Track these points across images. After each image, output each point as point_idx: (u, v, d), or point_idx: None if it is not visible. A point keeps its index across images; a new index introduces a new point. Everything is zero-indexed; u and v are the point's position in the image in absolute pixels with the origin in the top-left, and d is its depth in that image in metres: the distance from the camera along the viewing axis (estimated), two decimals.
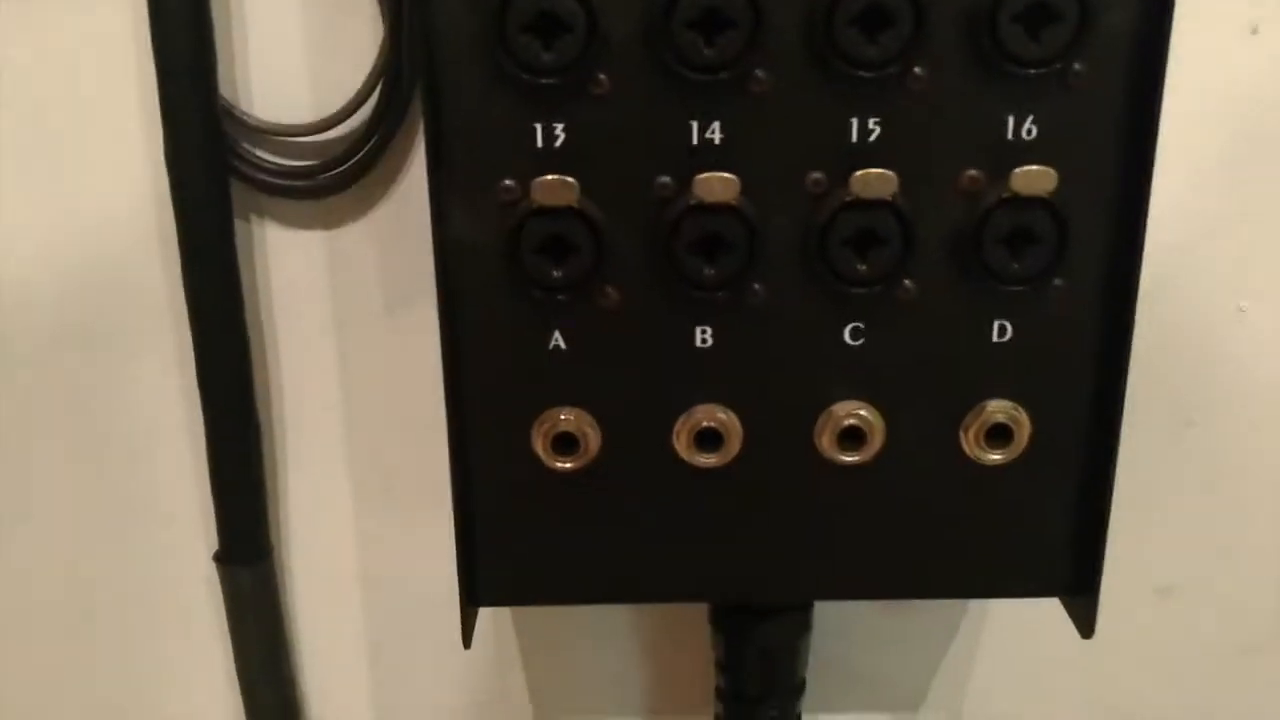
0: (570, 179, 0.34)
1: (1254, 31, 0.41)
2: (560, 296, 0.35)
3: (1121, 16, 0.33)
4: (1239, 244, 0.44)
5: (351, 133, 0.42)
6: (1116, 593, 0.49)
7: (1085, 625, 0.39)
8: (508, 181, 0.34)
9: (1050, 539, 0.39)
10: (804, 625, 0.43)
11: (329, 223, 0.43)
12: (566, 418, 0.37)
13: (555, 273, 0.35)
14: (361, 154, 0.41)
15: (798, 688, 0.44)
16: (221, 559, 0.46)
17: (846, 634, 0.49)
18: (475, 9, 0.33)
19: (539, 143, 0.34)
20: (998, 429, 0.37)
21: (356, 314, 0.45)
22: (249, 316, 0.44)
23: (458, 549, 0.38)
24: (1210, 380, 0.46)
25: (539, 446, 0.37)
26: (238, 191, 0.42)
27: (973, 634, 0.50)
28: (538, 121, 0.34)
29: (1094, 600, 0.39)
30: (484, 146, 0.34)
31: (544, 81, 0.33)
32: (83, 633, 0.49)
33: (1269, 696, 0.51)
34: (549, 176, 0.34)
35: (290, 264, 0.44)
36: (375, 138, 0.41)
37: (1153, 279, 0.44)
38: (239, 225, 0.43)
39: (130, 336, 0.45)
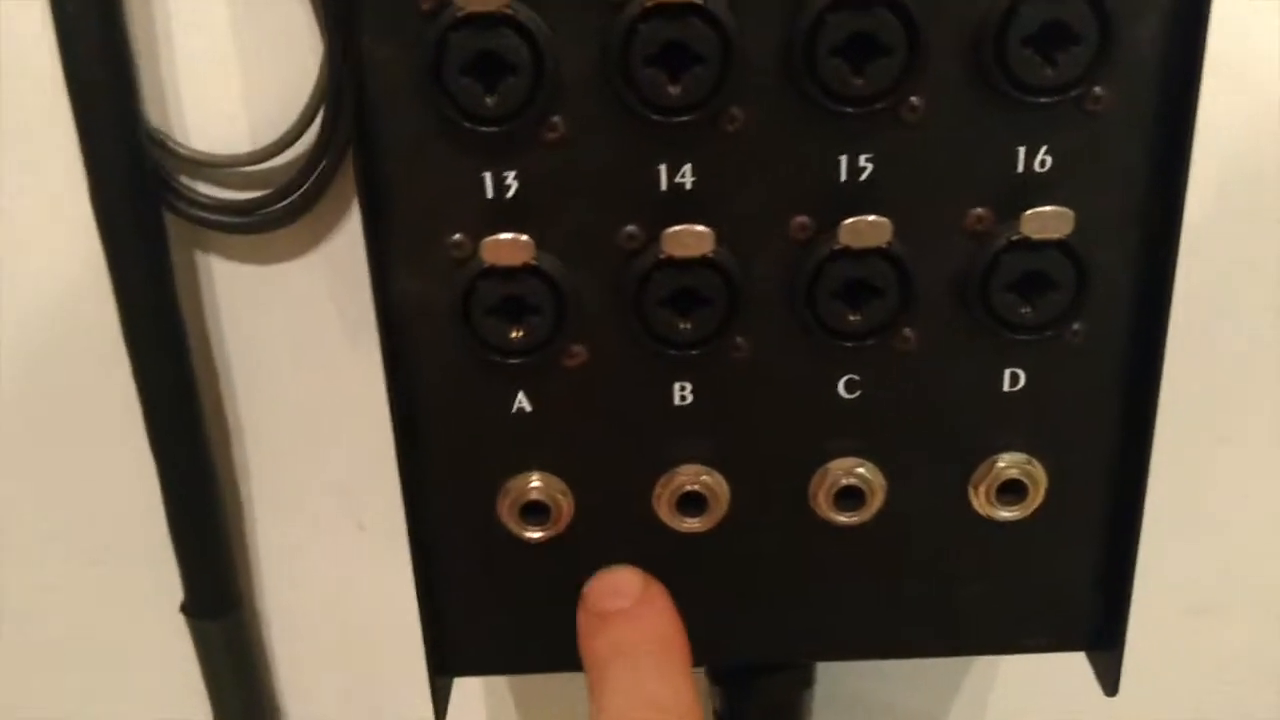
0: (524, 237, 0.30)
1: None
2: (521, 360, 0.32)
3: (1148, 32, 0.29)
4: None
5: (296, 160, 0.38)
6: (1148, 613, 0.46)
7: (1109, 682, 0.36)
8: (457, 236, 0.31)
9: (1070, 594, 0.35)
10: (807, 679, 0.40)
11: (280, 256, 0.40)
12: (535, 484, 0.34)
13: (514, 334, 0.31)
14: (309, 183, 0.38)
15: None
16: (188, 611, 0.43)
17: (856, 665, 0.46)
18: (409, 48, 0.29)
19: (489, 193, 0.30)
20: (1011, 484, 0.33)
21: (315, 349, 0.41)
22: (200, 359, 0.40)
23: (423, 619, 0.35)
24: (1246, 395, 0.43)
25: (506, 516, 0.34)
26: (180, 228, 0.39)
27: (992, 660, 0.47)
28: (486, 170, 0.30)
29: (1118, 656, 0.36)
30: (428, 199, 0.30)
31: (489, 129, 0.29)
32: (51, 686, 0.47)
33: None
34: (500, 236, 0.30)
35: (241, 301, 0.41)
36: (323, 164, 0.38)
37: (1187, 286, 0.41)
38: (183, 263, 0.40)
39: (79, 383, 0.42)
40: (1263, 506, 0.44)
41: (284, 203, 0.38)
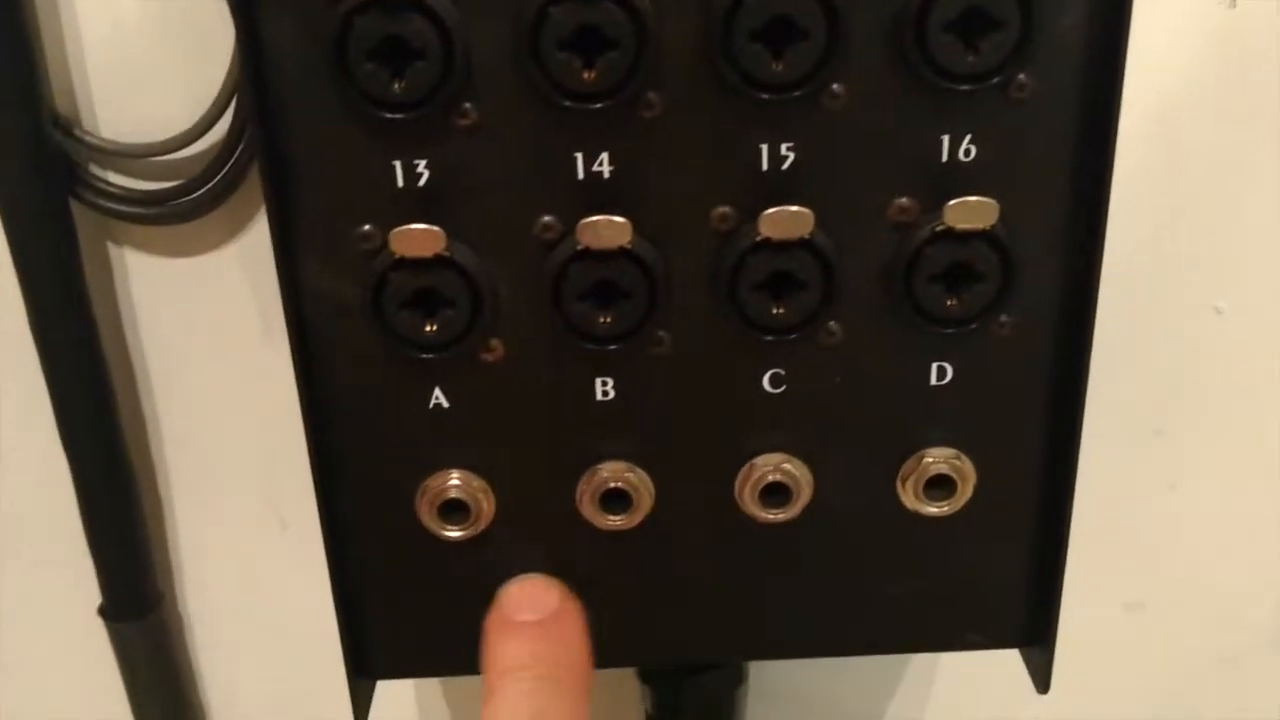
0: (435, 227, 0.29)
1: (1231, 4, 0.36)
2: (436, 355, 0.31)
3: (1071, 19, 0.28)
4: (1218, 239, 0.40)
5: (210, 149, 0.37)
6: (1084, 609, 0.46)
7: (1041, 679, 0.36)
8: (366, 227, 0.30)
9: (1001, 590, 0.35)
10: (739, 677, 0.39)
11: (195, 248, 0.39)
12: (454, 483, 0.33)
13: (428, 328, 0.30)
14: (223, 172, 0.37)
15: None
16: (106, 614, 0.42)
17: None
18: (312, 31, 0.28)
19: (400, 182, 0.29)
20: (939, 479, 0.33)
21: (233, 343, 0.40)
22: (114, 354, 0.39)
23: (340, 622, 0.34)
24: (1182, 385, 0.42)
25: (425, 514, 0.33)
26: (94, 221, 0.38)
27: (931, 654, 0.47)
28: (396, 158, 0.29)
29: (1050, 653, 0.35)
30: (336, 188, 0.29)
31: (397, 116, 0.28)
32: None
33: (1246, 707, 0.48)
34: (410, 226, 0.29)
35: (158, 295, 0.40)
36: (238, 153, 0.36)
37: (1122, 276, 0.40)
38: (96, 256, 0.38)
39: None
40: (1198, 499, 0.44)
41: (197, 193, 0.37)
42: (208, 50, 0.36)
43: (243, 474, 0.42)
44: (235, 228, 0.38)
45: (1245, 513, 0.44)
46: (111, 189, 0.37)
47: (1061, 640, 0.35)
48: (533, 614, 0.33)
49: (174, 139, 0.36)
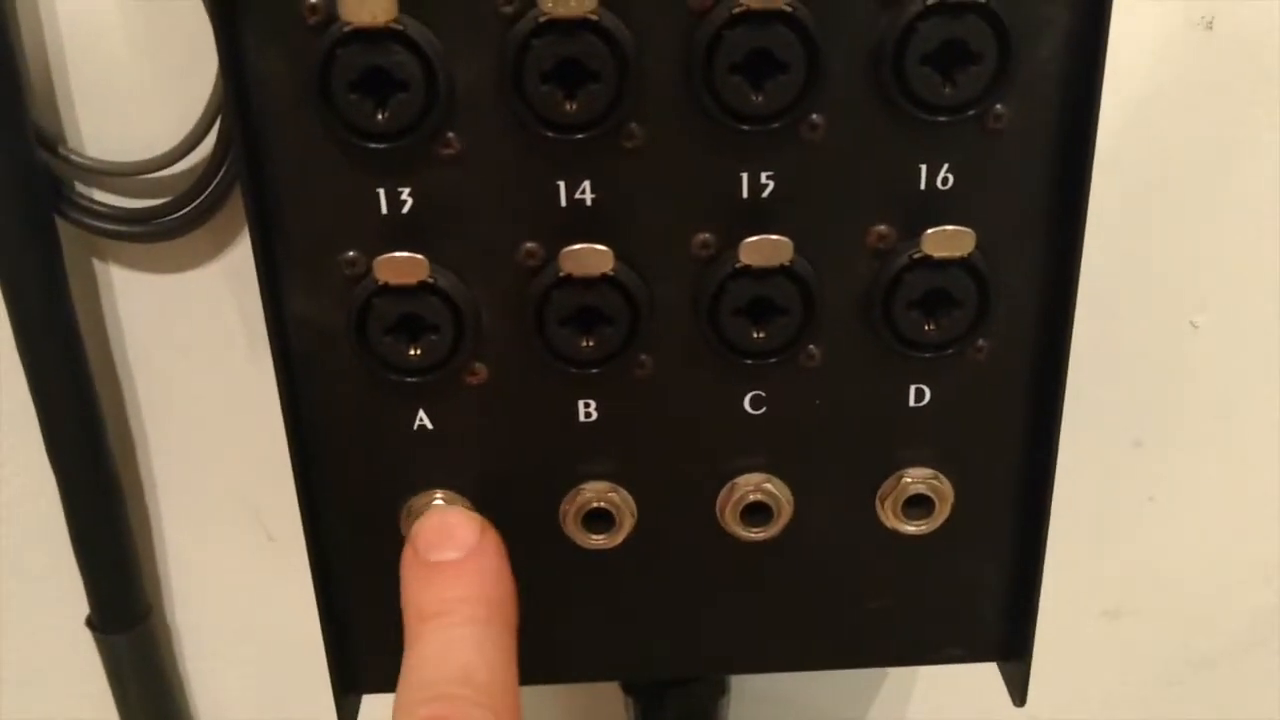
0: (418, 255, 0.29)
1: (1208, 26, 0.37)
2: (420, 379, 0.31)
3: (1047, 51, 0.29)
4: (1194, 254, 0.40)
5: (195, 168, 0.37)
6: (1063, 617, 0.46)
7: (1018, 692, 0.36)
8: (350, 254, 0.30)
9: (979, 606, 0.35)
10: (722, 688, 0.40)
11: (180, 265, 0.39)
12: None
13: (412, 352, 0.31)
14: (208, 191, 0.37)
15: None
16: (94, 626, 0.42)
17: None
18: (296, 62, 0.28)
19: (384, 209, 0.30)
20: (917, 499, 0.33)
21: (218, 358, 0.40)
22: (100, 370, 0.39)
23: (326, 638, 0.34)
24: (1160, 398, 0.43)
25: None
26: (79, 239, 0.38)
27: None
28: (380, 186, 0.29)
29: (1026, 666, 0.36)
30: (320, 215, 0.30)
31: (381, 146, 0.28)
32: None
33: (1224, 709, 0.49)
34: (394, 254, 0.29)
35: (143, 312, 0.40)
36: (222, 172, 0.37)
37: (1101, 290, 0.41)
38: (82, 273, 0.39)
39: None
40: (1175, 509, 0.44)
41: (183, 211, 0.37)
42: (192, 68, 0.36)
43: (229, 487, 0.43)
44: (220, 244, 0.39)
45: (1221, 522, 0.45)
46: (96, 207, 0.37)
47: (1040, 647, 0.36)
48: (451, 553, 0.31)
49: (159, 157, 0.37)
